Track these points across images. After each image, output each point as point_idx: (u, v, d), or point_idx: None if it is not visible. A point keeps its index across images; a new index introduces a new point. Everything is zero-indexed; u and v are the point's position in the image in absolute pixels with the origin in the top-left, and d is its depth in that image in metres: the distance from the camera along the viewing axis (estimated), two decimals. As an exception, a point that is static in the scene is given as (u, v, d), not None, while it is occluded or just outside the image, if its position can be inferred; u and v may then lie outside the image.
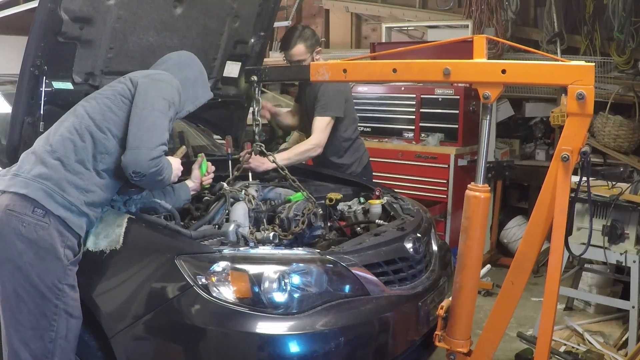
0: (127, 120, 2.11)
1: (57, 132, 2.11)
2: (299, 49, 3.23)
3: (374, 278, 2.21)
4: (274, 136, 5.46)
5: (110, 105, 2.14)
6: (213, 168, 2.72)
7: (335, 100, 3.25)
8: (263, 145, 2.86)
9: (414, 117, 4.75)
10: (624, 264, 3.37)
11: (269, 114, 3.56)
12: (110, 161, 2.11)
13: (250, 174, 3.00)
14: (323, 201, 2.79)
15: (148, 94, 2.13)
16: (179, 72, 2.35)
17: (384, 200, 2.92)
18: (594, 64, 1.93)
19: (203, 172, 2.65)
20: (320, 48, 3.34)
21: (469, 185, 2.16)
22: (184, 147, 2.77)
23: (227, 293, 1.99)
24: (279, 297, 2.01)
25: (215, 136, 4.02)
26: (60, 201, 1.98)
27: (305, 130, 3.49)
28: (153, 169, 2.05)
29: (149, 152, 2.04)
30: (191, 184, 2.62)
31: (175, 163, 2.30)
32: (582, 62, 1.93)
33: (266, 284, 2.00)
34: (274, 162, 2.87)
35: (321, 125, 3.23)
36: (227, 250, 2.09)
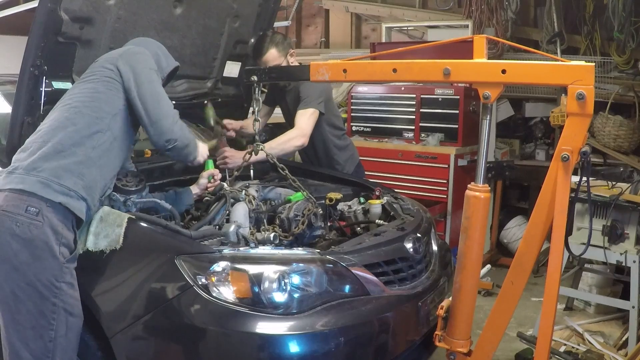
0: (118, 97, 2.18)
1: (45, 125, 2.13)
2: (272, 54, 3.15)
3: (374, 278, 2.21)
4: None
5: (95, 86, 2.18)
6: (219, 175, 2.73)
7: (315, 95, 3.18)
8: (264, 145, 2.87)
9: (414, 117, 4.74)
10: (624, 264, 3.37)
11: (234, 133, 3.35)
12: (105, 138, 2.12)
13: (251, 174, 3.00)
14: (323, 201, 2.79)
15: (135, 71, 2.20)
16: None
17: (384, 200, 2.92)
18: (594, 64, 1.93)
19: (210, 180, 2.67)
20: (293, 50, 3.29)
21: (469, 185, 2.16)
22: (215, 141, 2.86)
23: (227, 293, 1.99)
24: (279, 297, 2.00)
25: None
26: (58, 189, 1.98)
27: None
28: (178, 130, 2.23)
29: (167, 118, 2.20)
30: (196, 190, 2.64)
31: (202, 148, 2.46)
32: (582, 62, 1.93)
33: (266, 284, 2.00)
34: (274, 163, 2.87)
35: (303, 117, 3.14)
36: (227, 250, 2.09)
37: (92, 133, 2.10)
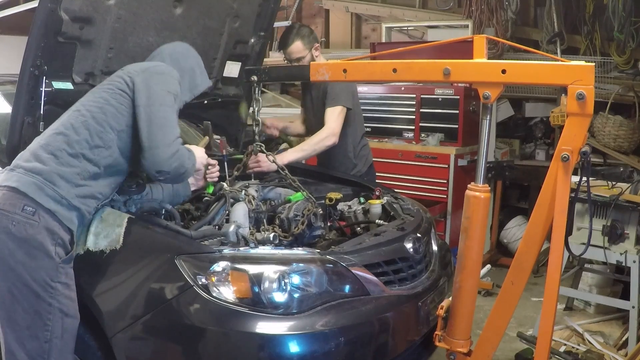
0: (127, 113, 2.11)
1: (52, 128, 2.12)
2: (297, 46, 3.21)
3: (374, 278, 2.21)
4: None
5: (107, 98, 2.13)
6: (216, 163, 2.71)
7: (344, 92, 3.23)
8: (263, 145, 2.87)
9: (414, 117, 4.74)
10: (624, 264, 3.37)
11: (277, 132, 3.50)
12: (107, 154, 2.10)
13: (252, 175, 2.99)
14: (323, 201, 2.79)
15: (151, 90, 2.11)
16: (176, 63, 2.33)
17: (384, 200, 2.92)
18: (594, 64, 1.93)
19: (206, 169, 2.66)
20: (318, 44, 3.33)
21: (469, 185, 2.16)
22: (206, 137, 2.79)
23: (227, 293, 1.99)
24: (279, 297, 2.00)
25: (215, 136, 4.01)
26: (50, 194, 1.97)
27: (312, 132, 3.47)
28: (175, 164, 2.08)
29: (166, 148, 2.06)
30: (193, 179, 2.61)
31: (198, 152, 2.35)
32: (582, 62, 1.93)
33: (266, 284, 2.00)
34: (274, 162, 2.87)
35: (333, 115, 3.19)
36: (227, 250, 2.09)
37: (93, 146, 2.07)
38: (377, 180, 3.61)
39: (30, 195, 1.95)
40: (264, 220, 2.57)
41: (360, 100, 4.90)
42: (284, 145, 4.67)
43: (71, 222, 2.02)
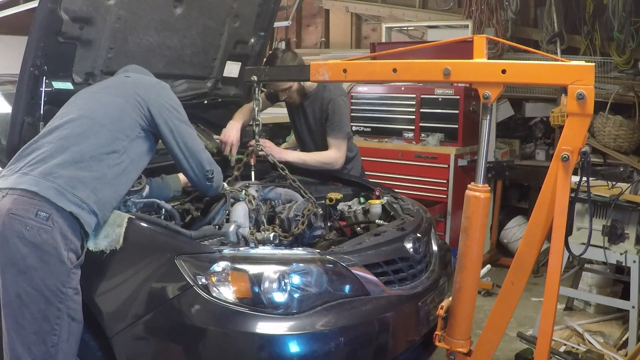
0: (140, 123, 2.22)
1: (66, 128, 2.12)
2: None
3: (374, 278, 2.21)
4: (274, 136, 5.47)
5: (124, 106, 2.22)
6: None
7: (347, 120, 3.26)
8: (263, 145, 2.86)
9: (414, 117, 4.74)
10: (624, 264, 3.37)
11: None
12: (121, 160, 2.14)
13: (252, 174, 3.00)
14: (323, 201, 2.79)
15: (173, 108, 2.30)
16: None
17: (384, 200, 2.92)
18: (594, 64, 1.93)
19: None
20: None
21: (469, 185, 2.16)
22: None
23: (227, 293, 1.99)
24: (279, 297, 2.00)
25: (215, 136, 4.01)
26: (71, 199, 1.98)
27: (303, 146, 3.44)
28: (212, 167, 2.38)
29: (204, 152, 2.37)
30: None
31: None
32: (582, 62, 1.93)
33: (266, 284, 2.00)
34: (273, 162, 2.88)
35: (339, 145, 3.21)
36: (227, 251, 2.09)
37: (110, 151, 2.12)
38: (377, 180, 3.60)
39: (52, 200, 1.94)
40: (264, 220, 2.58)
41: (361, 100, 4.98)
42: (284, 145, 4.67)
43: (90, 227, 2.02)
